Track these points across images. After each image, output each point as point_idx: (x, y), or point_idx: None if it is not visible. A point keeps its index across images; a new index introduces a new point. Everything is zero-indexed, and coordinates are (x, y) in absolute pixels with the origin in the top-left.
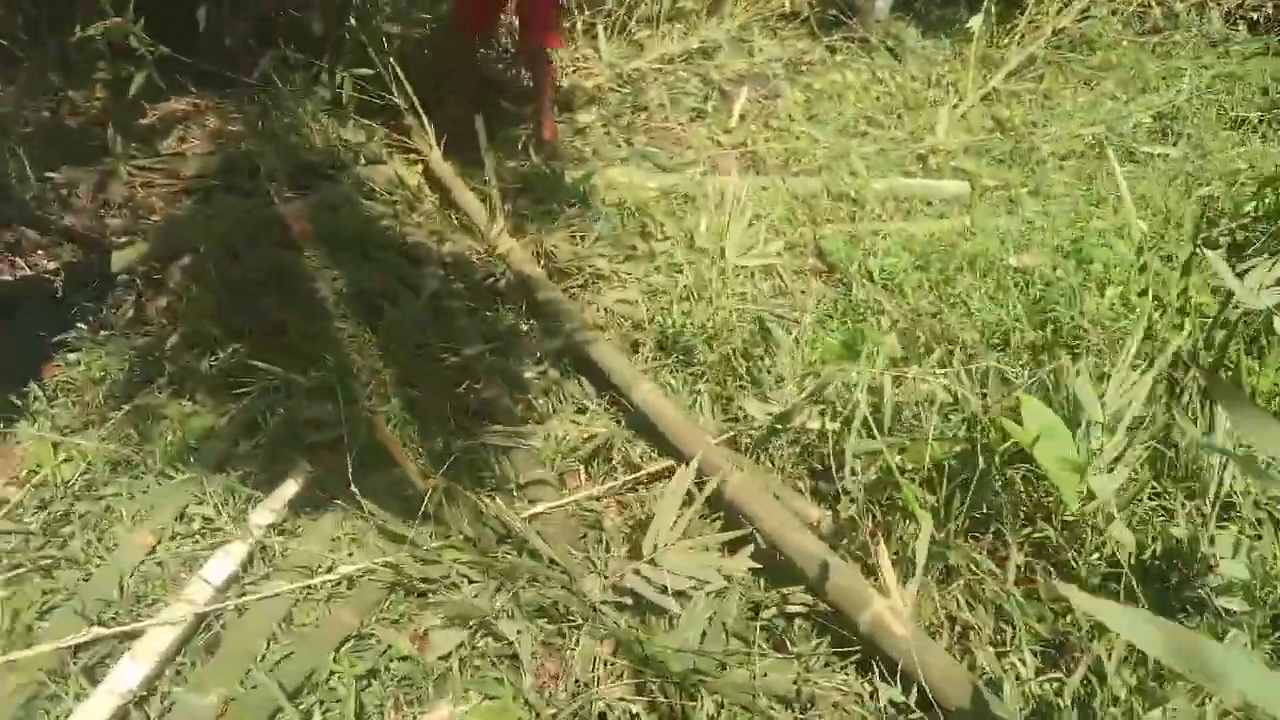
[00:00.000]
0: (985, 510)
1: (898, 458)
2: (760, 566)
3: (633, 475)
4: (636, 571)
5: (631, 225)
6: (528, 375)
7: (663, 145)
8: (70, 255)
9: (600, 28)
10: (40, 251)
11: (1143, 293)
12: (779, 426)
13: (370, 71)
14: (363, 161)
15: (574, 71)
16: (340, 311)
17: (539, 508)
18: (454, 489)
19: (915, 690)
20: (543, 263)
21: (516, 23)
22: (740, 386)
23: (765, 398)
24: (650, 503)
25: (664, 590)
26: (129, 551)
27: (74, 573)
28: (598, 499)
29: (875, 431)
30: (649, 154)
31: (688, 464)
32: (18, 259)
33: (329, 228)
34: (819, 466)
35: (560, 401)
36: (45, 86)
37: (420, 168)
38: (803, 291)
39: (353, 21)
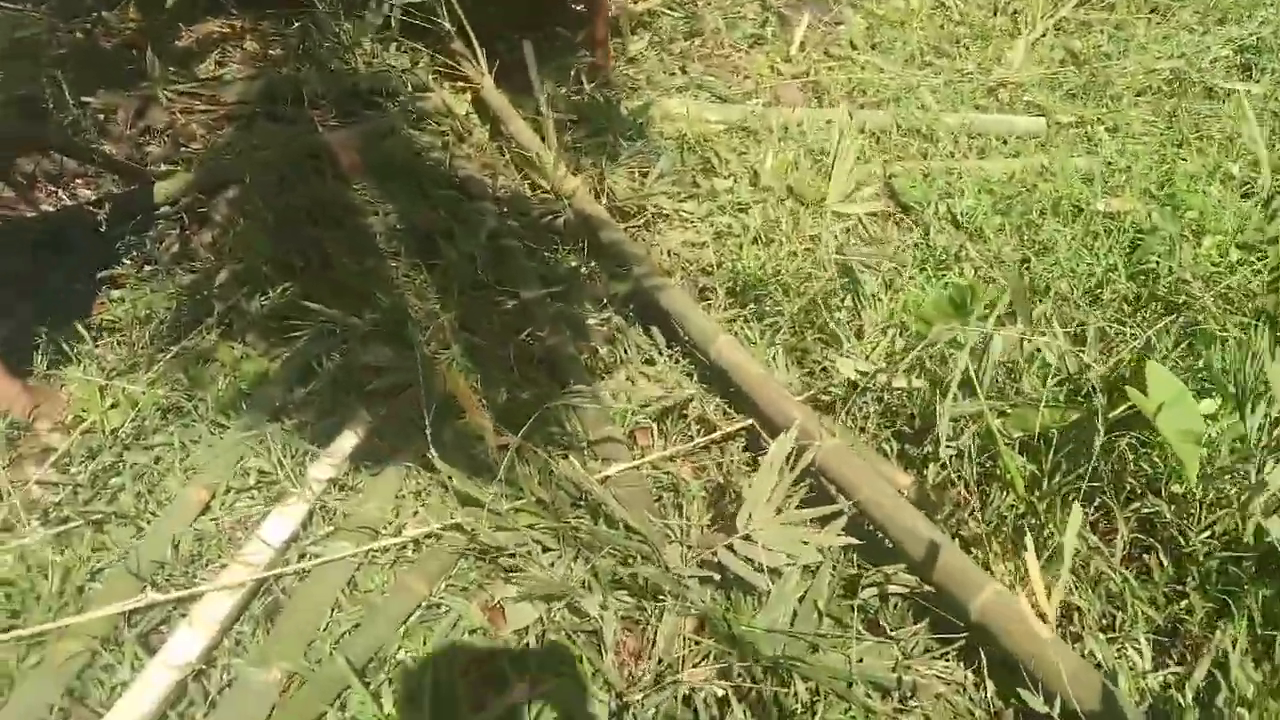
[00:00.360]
0: (1090, 482)
1: (998, 421)
2: (859, 543)
3: (709, 436)
4: (729, 547)
5: (692, 161)
6: (591, 322)
7: (720, 74)
8: (112, 185)
9: None
10: (80, 180)
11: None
12: (867, 385)
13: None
14: (409, 88)
15: None
16: (393, 248)
17: (613, 469)
18: (525, 447)
19: (1041, 690)
20: (602, 200)
21: None
22: (820, 339)
23: (847, 352)
24: (727, 463)
25: (759, 568)
26: (182, 507)
27: (125, 529)
28: (671, 459)
29: (976, 392)
30: (706, 83)
31: (782, 432)
32: (59, 189)
33: (377, 159)
34: (906, 429)
35: (626, 351)
36: (78, 7)
37: (469, 96)
38: (879, 236)
39: None
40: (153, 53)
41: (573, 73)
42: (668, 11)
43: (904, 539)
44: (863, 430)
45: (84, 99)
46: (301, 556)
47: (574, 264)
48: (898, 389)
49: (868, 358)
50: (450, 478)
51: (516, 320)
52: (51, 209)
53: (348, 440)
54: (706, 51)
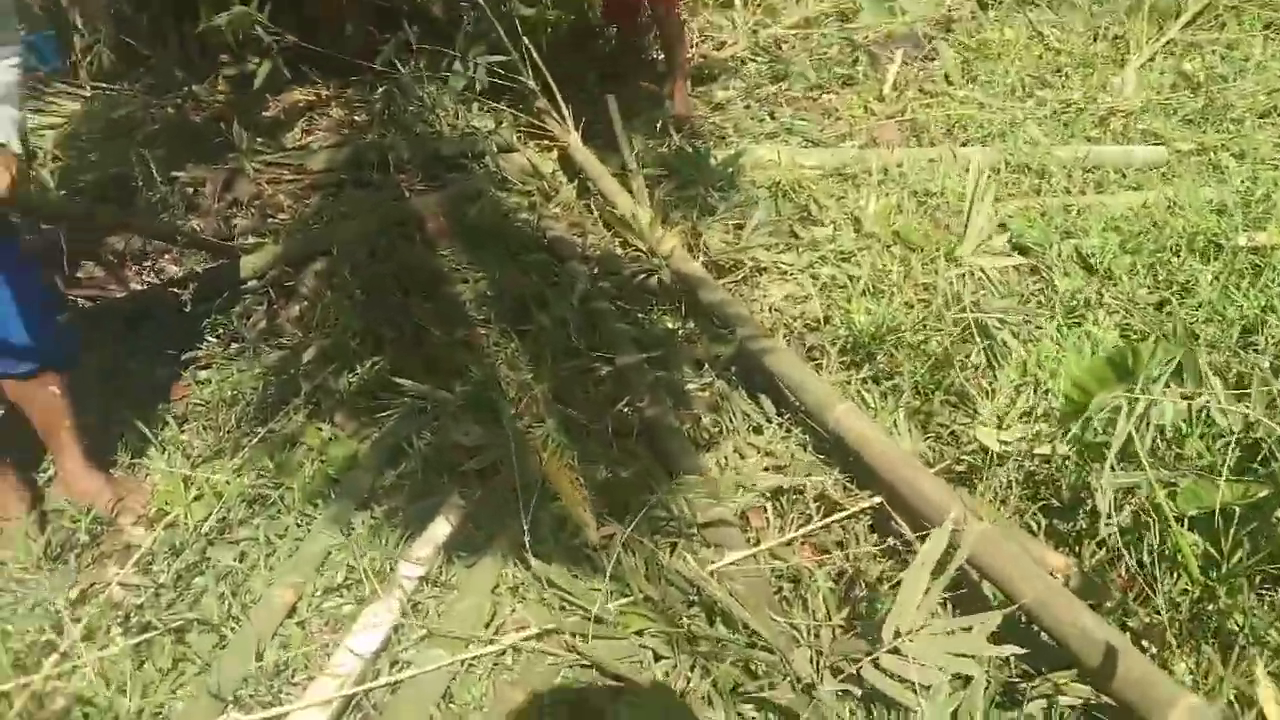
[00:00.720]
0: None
1: (1162, 493)
2: (1023, 651)
3: (831, 517)
4: (875, 663)
5: (788, 209)
6: (691, 388)
7: (810, 117)
8: (198, 261)
9: None
10: (167, 256)
11: None
12: (1008, 454)
13: (505, 58)
14: (494, 149)
15: (705, 42)
16: (483, 316)
17: (727, 559)
18: (631, 539)
19: None
20: (697, 256)
21: None
22: (947, 401)
23: (981, 417)
24: (852, 546)
25: (910, 686)
26: (267, 612)
27: (208, 637)
28: (789, 544)
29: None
30: (797, 127)
31: (923, 517)
32: (144, 267)
33: (465, 223)
34: (1054, 501)
35: (732, 419)
36: (170, 83)
37: (554, 153)
38: (999, 281)
39: (481, 3)
40: (239, 125)
41: (658, 125)
42: (753, 57)
43: (1073, 641)
44: (1003, 503)
45: (173, 174)
46: (393, 665)
47: (671, 325)
48: (1039, 455)
49: (1002, 421)
50: (548, 577)
51: (613, 388)
52: (140, 287)
53: (440, 528)
54: (795, 95)
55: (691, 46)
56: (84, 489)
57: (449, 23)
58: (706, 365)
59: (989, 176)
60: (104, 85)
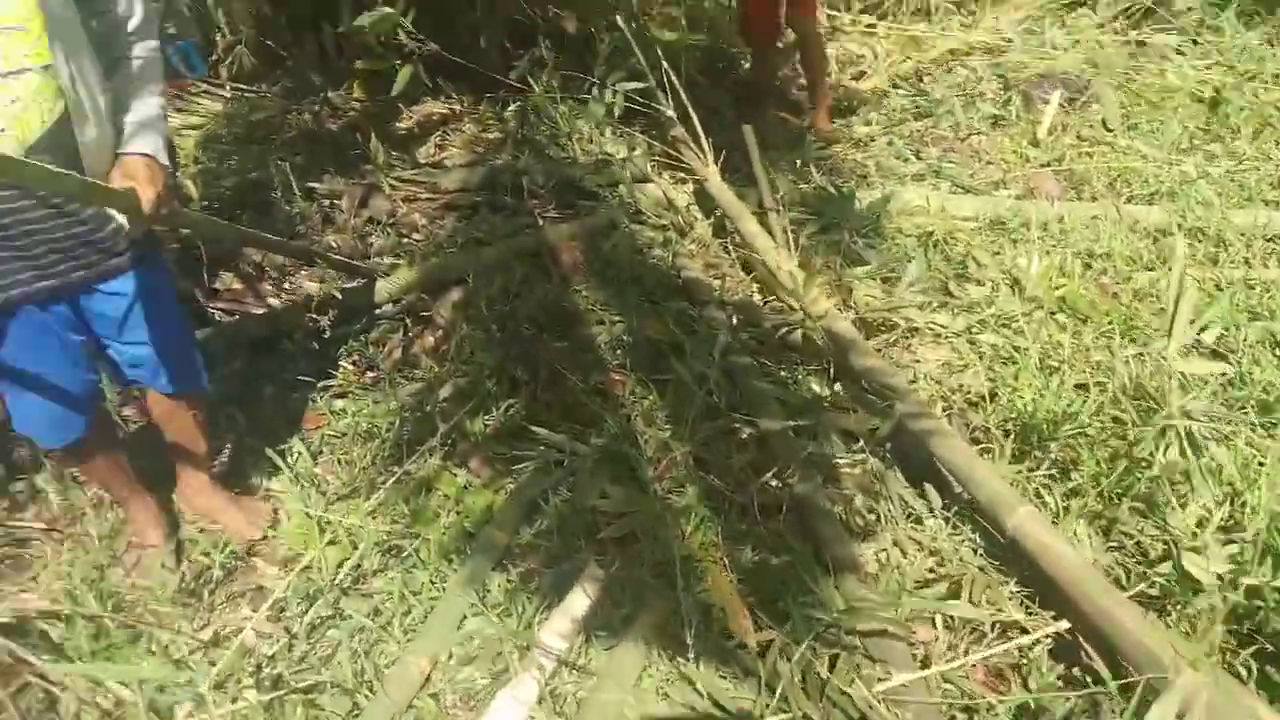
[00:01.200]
0: None
1: None
2: None
3: (1011, 641)
4: None
5: (941, 262)
6: (842, 463)
7: (959, 159)
8: (336, 284)
9: (874, 20)
10: (304, 273)
11: None
12: (1219, 587)
13: (644, 85)
14: (628, 178)
15: (844, 71)
16: (618, 361)
17: (895, 680)
18: (789, 647)
19: None
20: (845, 311)
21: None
22: (1135, 509)
23: (1164, 522)
24: (1035, 675)
25: None
26: (403, 681)
27: (341, 701)
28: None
29: None
30: (945, 170)
31: (1142, 673)
32: (282, 284)
33: (599, 258)
34: (1267, 645)
35: (890, 505)
36: (306, 87)
37: (689, 186)
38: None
39: (621, 26)
40: (377, 139)
41: (798, 161)
42: (896, 90)
43: None
44: (1206, 639)
45: (310, 185)
46: None
47: (817, 389)
48: (1245, 585)
49: (1197, 537)
50: (697, 682)
51: (757, 455)
52: (276, 303)
53: (578, 601)
54: (942, 134)
55: (834, 74)
56: (204, 506)
57: (582, 41)
58: (860, 440)
59: (1155, 239)
60: (243, 87)
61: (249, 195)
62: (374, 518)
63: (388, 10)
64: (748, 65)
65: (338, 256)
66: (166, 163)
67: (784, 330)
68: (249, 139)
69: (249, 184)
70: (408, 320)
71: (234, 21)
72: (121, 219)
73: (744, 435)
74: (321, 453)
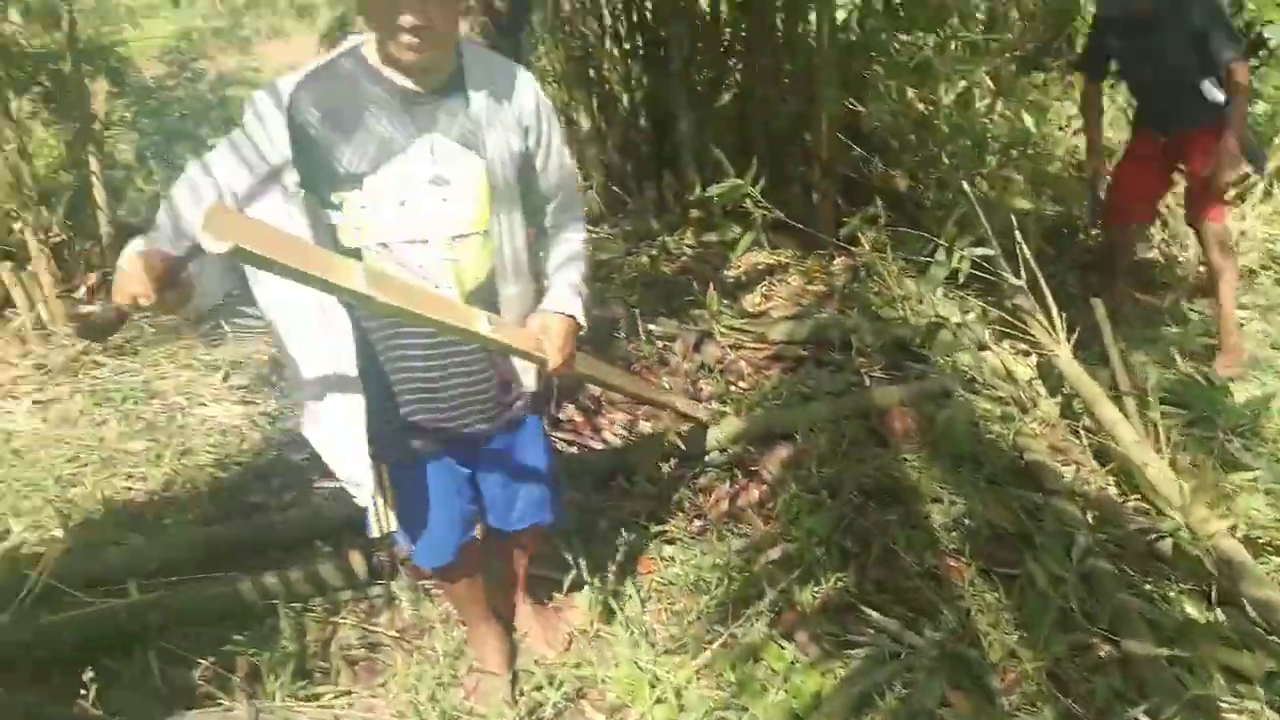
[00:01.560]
0: None
1: None
2: None
3: None
4: None
5: None
6: (1226, 706)
7: None
8: (664, 422)
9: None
10: (641, 411)
11: None
12: None
13: (992, 252)
14: (965, 344)
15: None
16: (955, 545)
17: None
18: None
19: None
20: (1227, 525)
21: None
22: None
23: None
24: None
25: None
26: None
27: None
28: None
29: None
30: None
31: None
32: (615, 425)
33: (934, 427)
34: None
35: None
36: (645, 231)
37: (1032, 359)
38: None
39: (967, 191)
40: (713, 288)
41: (1158, 342)
42: (1265, 270)
43: None
44: None
45: (649, 327)
46: None
47: (1193, 612)
48: None
49: None
50: None
51: (1119, 681)
52: (617, 441)
53: None
54: None
55: (1186, 248)
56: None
57: (914, 203)
58: (1255, 684)
59: None
60: (592, 229)
61: (591, 332)
62: (699, 677)
63: (737, 182)
64: (1095, 232)
65: (688, 405)
66: (584, 325)
67: (1153, 537)
68: (594, 277)
69: (592, 321)
70: (736, 471)
71: (587, 168)
72: (528, 378)
73: (1101, 653)
74: (650, 598)
